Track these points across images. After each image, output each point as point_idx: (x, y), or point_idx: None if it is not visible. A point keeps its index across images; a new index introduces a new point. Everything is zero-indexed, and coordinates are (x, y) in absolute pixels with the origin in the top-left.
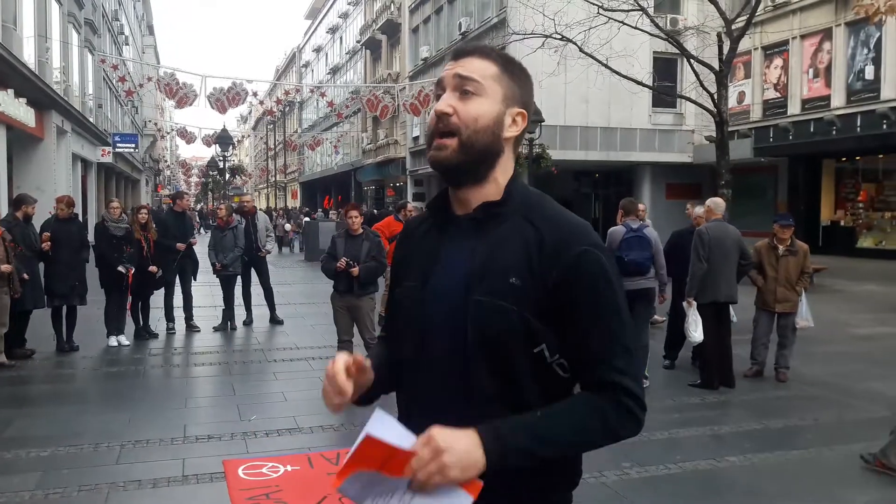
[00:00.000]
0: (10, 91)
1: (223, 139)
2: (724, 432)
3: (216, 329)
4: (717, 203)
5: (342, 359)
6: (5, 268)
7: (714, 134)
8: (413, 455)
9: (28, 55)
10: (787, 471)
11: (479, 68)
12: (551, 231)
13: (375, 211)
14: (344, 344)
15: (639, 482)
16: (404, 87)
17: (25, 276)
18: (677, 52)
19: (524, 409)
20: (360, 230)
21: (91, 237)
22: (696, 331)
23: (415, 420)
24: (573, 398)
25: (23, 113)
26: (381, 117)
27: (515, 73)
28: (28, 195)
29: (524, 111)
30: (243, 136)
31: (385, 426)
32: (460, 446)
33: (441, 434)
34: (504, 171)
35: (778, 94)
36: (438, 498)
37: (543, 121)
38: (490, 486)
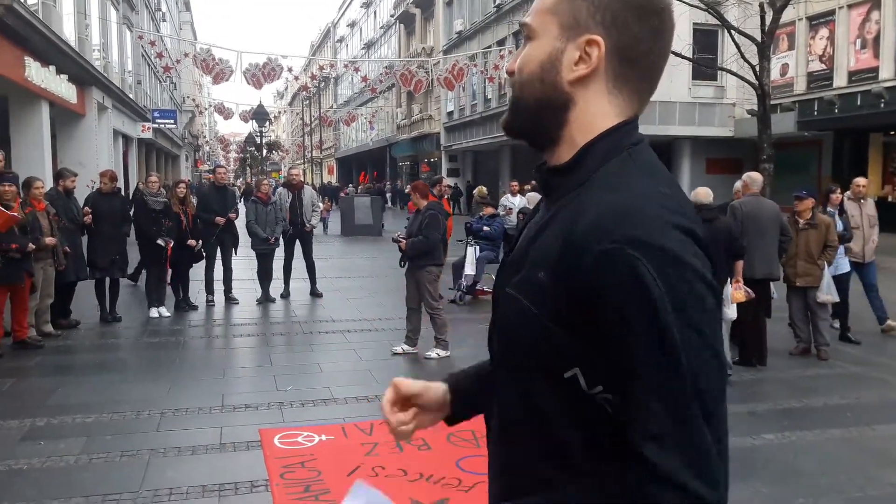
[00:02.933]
0: (52, 67)
1: (259, 115)
2: (762, 410)
3: (259, 302)
4: (753, 178)
5: (387, 394)
6: (49, 240)
7: (756, 107)
8: None
9: (68, 32)
10: (826, 450)
11: (537, 6)
12: (588, 212)
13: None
14: (410, 312)
15: None
16: (438, 62)
17: (67, 248)
18: (718, 23)
19: (561, 457)
20: (423, 206)
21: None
22: (728, 308)
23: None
24: (593, 487)
25: (64, 89)
26: (416, 92)
27: None
28: (67, 169)
29: (597, 37)
30: (280, 112)
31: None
32: None
33: None
34: (583, 126)
35: (823, 66)
36: None
37: None
38: None
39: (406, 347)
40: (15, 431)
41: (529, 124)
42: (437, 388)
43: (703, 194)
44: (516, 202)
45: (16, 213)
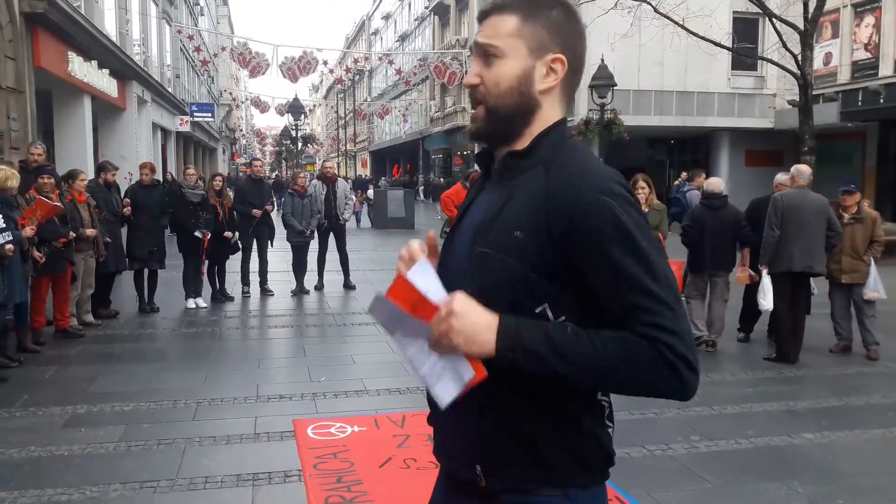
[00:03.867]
0: (94, 62)
1: (295, 108)
2: (801, 408)
3: (293, 294)
4: (800, 170)
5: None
6: (90, 232)
7: (797, 98)
8: (437, 309)
9: (109, 27)
10: (867, 450)
11: (495, 28)
12: (562, 180)
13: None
14: None
15: (707, 456)
16: (472, 53)
17: (108, 239)
18: (759, 11)
19: (535, 378)
20: None
21: None
22: (764, 299)
23: None
24: (615, 332)
25: (106, 83)
26: (449, 84)
27: (543, 18)
28: (108, 162)
29: (562, 56)
30: (315, 106)
31: (424, 275)
32: (472, 318)
33: (461, 300)
34: (542, 123)
35: (868, 55)
36: (450, 361)
37: (615, 85)
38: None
39: None
40: (57, 418)
41: (504, 127)
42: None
43: (716, 184)
44: None
45: (58, 204)
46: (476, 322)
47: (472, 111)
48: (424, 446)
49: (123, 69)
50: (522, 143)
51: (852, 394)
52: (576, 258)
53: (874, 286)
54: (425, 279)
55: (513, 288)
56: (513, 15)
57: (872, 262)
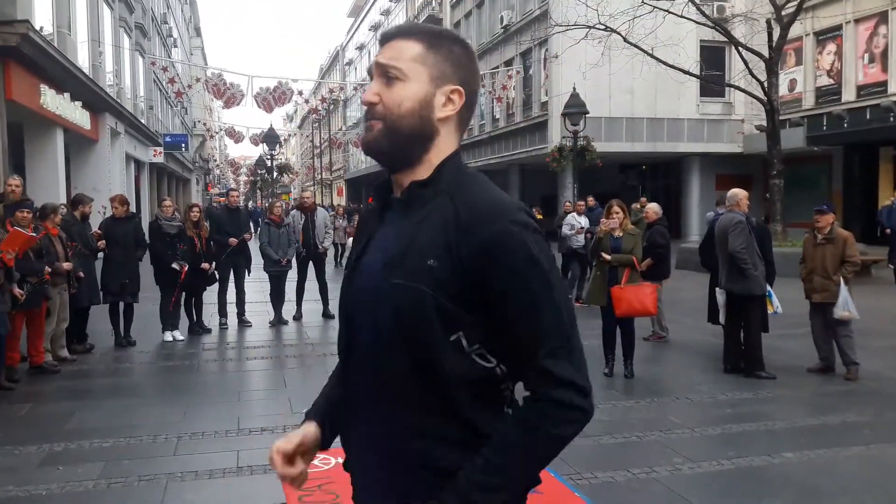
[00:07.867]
0: (67, 95)
1: (270, 138)
2: (779, 428)
3: (272, 325)
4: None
5: (276, 449)
6: (66, 266)
7: (765, 123)
8: None
9: (82, 59)
10: (846, 468)
11: (399, 52)
12: (469, 208)
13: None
14: None
15: (691, 479)
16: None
17: (81, 273)
18: (725, 39)
19: (450, 408)
20: None
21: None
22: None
23: (351, 418)
24: (501, 424)
25: (79, 116)
26: None
27: (445, 50)
28: (84, 195)
29: (461, 88)
30: (290, 135)
31: None
32: None
33: None
34: (439, 152)
35: (831, 81)
36: None
37: (588, 113)
38: None
39: None
40: (34, 457)
41: (402, 148)
42: (311, 430)
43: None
44: (583, 221)
45: (33, 235)
46: None
47: (367, 123)
48: None
49: (96, 101)
50: (423, 172)
51: (829, 412)
52: (487, 288)
53: (843, 306)
54: None
55: (428, 317)
56: (418, 42)
57: (842, 282)
